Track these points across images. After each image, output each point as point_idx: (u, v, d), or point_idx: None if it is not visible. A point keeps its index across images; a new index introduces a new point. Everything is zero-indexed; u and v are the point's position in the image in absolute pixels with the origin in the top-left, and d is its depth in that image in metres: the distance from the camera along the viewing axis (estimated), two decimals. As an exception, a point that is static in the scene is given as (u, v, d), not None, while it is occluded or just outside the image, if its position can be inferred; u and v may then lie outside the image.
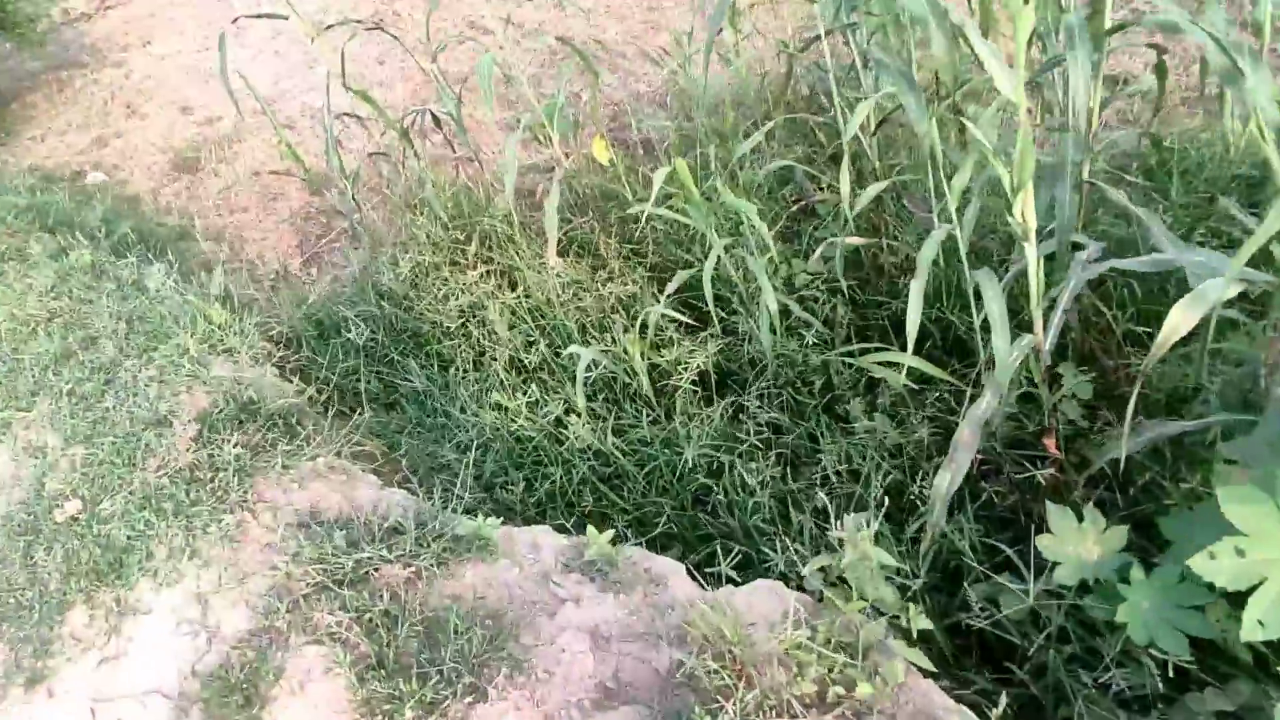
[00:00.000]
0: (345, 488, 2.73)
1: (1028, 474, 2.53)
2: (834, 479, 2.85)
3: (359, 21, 4.38)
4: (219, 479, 2.64)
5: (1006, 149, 2.46)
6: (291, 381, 3.38)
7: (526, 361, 3.64)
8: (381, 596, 2.17)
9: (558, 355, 3.56)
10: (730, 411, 3.18)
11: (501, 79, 6.07)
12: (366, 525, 2.43)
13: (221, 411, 3.00)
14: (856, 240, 3.13)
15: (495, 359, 3.68)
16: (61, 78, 7.84)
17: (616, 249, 3.96)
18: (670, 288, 3.18)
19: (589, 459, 3.15)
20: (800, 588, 2.49)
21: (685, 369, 3.19)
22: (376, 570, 2.26)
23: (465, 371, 3.70)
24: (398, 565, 2.28)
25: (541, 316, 3.71)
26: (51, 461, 2.97)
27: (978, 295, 2.36)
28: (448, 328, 3.91)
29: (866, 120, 3.19)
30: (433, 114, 4.52)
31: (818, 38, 3.07)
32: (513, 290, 3.96)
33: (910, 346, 2.40)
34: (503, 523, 2.76)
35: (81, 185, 6.31)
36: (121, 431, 2.96)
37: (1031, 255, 2.08)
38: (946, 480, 2.19)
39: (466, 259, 4.09)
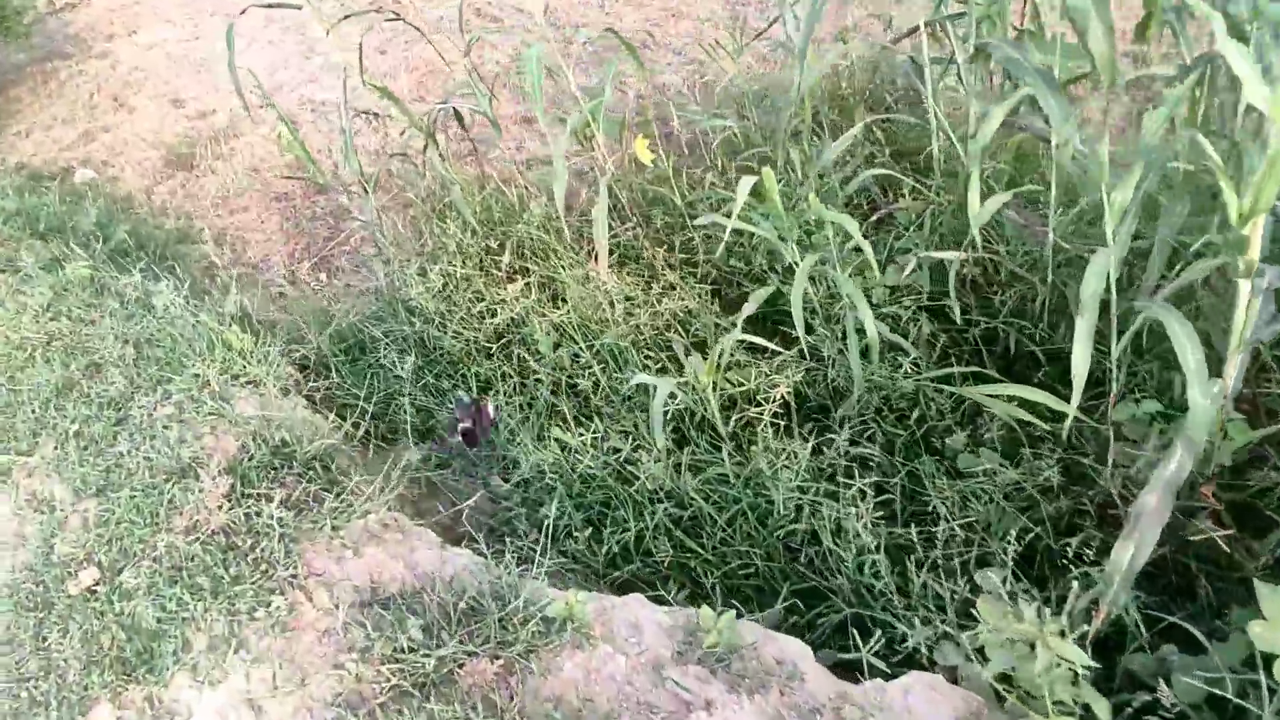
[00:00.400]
0: (403, 549, 2.32)
1: (1187, 527, 2.17)
2: (949, 527, 2.48)
3: (378, 11, 3.92)
4: (262, 547, 2.22)
5: (1166, 162, 2.09)
6: (325, 416, 2.96)
7: (577, 386, 3.24)
8: (474, 706, 1.77)
9: (612, 378, 3.16)
10: (814, 445, 2.80)
11: (504, 72, 5.62)
12: (441, 606, 2.03)
13: (253, 458, 2.58)
14: (954, 254, 2.74)
15: (540, 381, 3.27)
16: (46, 70, 7.26)
17: (665, 258, 3.55)
18: (749, 308, 2.78)
19: (660, 499, 2.76)
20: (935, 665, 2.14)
21: (766, 398, 2.80)
22: (461, 667, 1.86)
23: (509, 397, 3.30)
24: (484, 658, 1.88)
25: (589, 335, 3.30)
26: (60, 518, 2.53)
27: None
28: (487, 348, 3.49)
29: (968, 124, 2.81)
30: (456, 111, 4.07)
31: (915, 29, 2.68)
32: (554, 304, 3.55)
33: (1077, 396, 2.03)
34: (580, 582, 2.38)
35: (71, 184, 5.79)
36: (140, 483, 2.53)
37: (1245, 291, 1.71)
38: (1128, 554, 1.82)
39: (500, 270, 3.67)
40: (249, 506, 2.36)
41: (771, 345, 2.64)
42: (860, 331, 2.81)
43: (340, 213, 5.21)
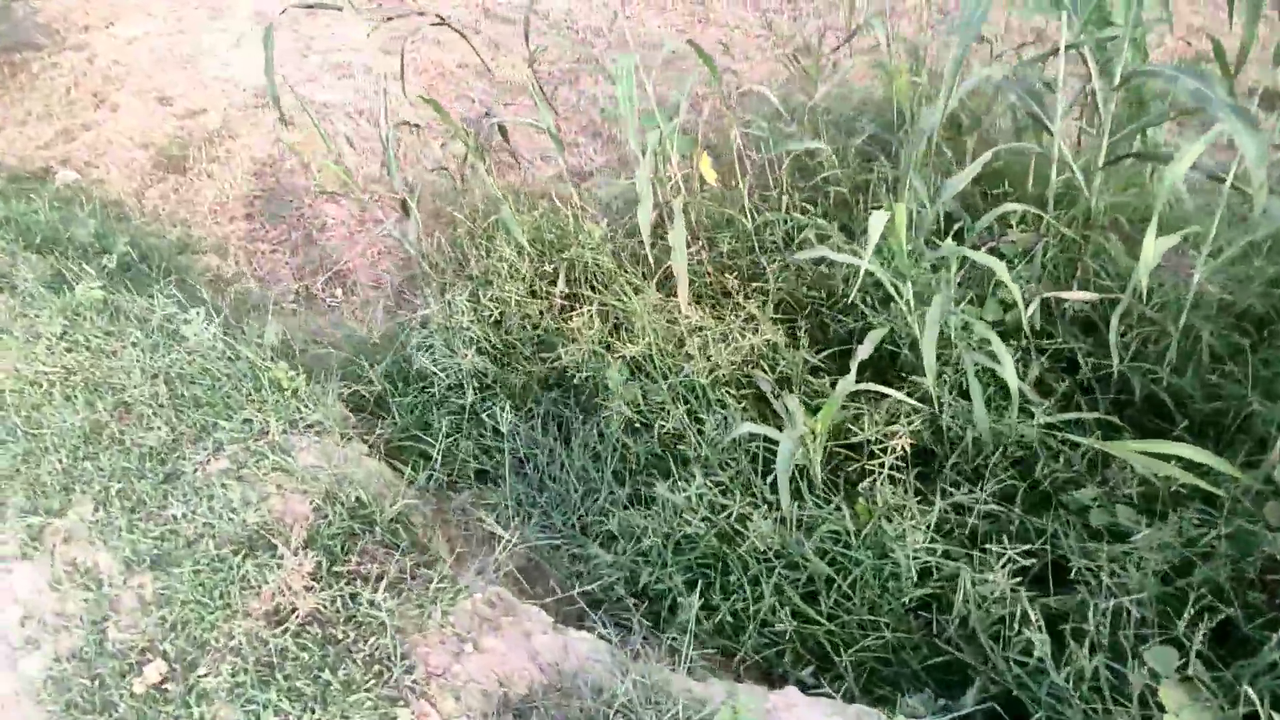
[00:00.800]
0: (516, 632, 2.00)
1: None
2: (1097, 593, 2.24)
3: (420, 13, 3.55)
4: (370, 644, 1.88)
5: None
6: (396, 470, 2.62)
7: (651, 426, 2.94)
8: None
9: (697, 419, 2.87)
10: (924, 496, 2.55)
11: (492, 78, 5.25)
12: (587, 715, 1.72)
13: (329, 523, 2.23)
14: (1086, 295, 2.50)
15: (610, 421, 2.96)
16: (15, 61, 6.67)
17: (736, 286, 3.26)
18: (865, 350, 2.50)
19: (769, 561, 2.48)
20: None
21: (883, 447, 2.53)
22: (634, 799, 1.57)
23: (583, 438, 2.98)
24: (658, 787, 1.58)
25: (664, 370, 2.99)
26: (111, 595, 2.16)
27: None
28: (550, 380, 3.17)
29: (1094, 155, 2.57)
30: (501, 125, 3.72)
31: (1052, 52, 2.42)
32: (617, 334, 3.23)
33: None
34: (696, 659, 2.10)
35: (55, 188, 5.28)
36: (203, 555, 2.16)
37: None
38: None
39: (555, 295, 3.34)
40: (341, 588, 2.02)
41: (896, 394, 2.38)
42: (981, 375, 2.56)
43: (354, 223, 4.82)
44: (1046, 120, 2.57)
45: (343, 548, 2.15)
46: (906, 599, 2.37)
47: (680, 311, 3.01)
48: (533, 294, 3.37)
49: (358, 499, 2.31)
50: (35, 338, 3.07)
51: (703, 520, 2.49)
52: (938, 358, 2.81)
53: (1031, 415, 2.62)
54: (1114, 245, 2.67)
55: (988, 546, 2.33)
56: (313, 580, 2.04)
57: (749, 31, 4.94)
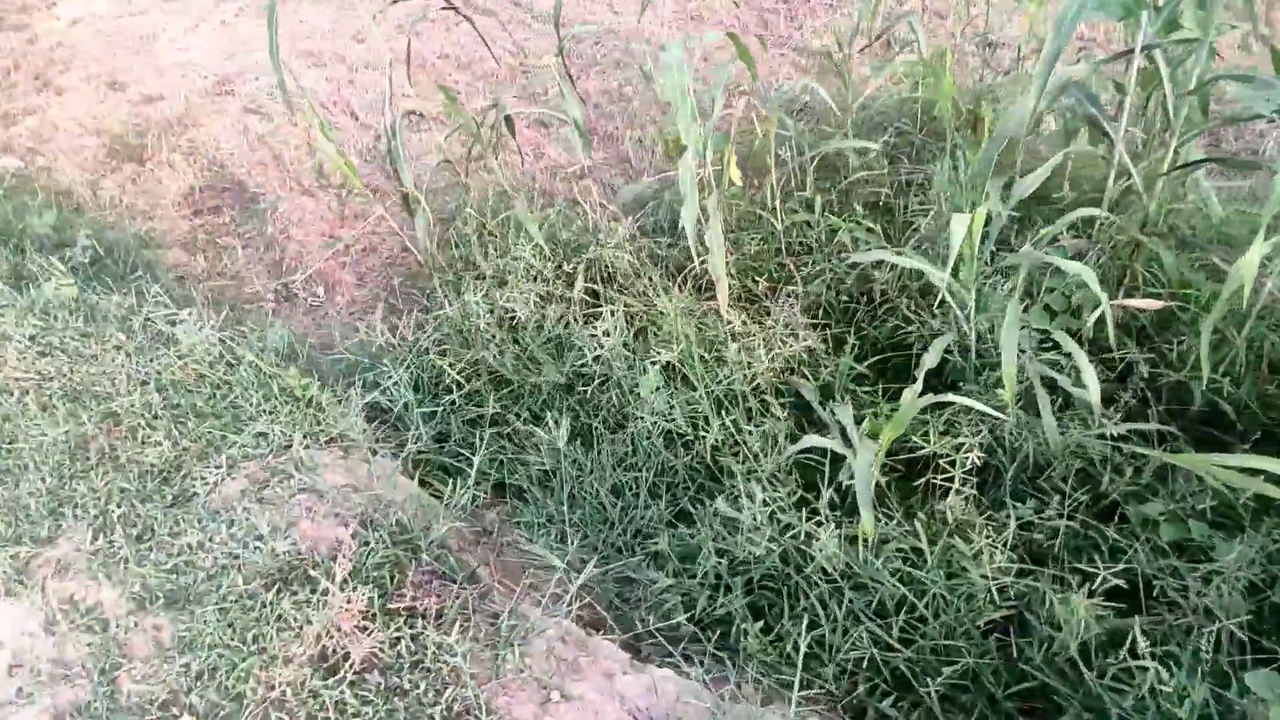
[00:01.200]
0: (597, 673, 1.76)
1: None
2: (1189, 615, 2.11)
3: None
4: (447, 696, 1.61)
5: None
6: (430, 487, 2.34)
7: (686, 436, 2.72)
8: None
9: (740, 430, 2.65)
10: (987, 509, 2.39)
11: (485, 65, 4.95)
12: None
13: (371, 550, 1.95)
14: (1153, 303, 2.37)
15: (647, 430, 2.73)
16: (-54, 40, 6.12)
17: (767, 289, 3.06)
18: (931, 359, 2.32)
19: (835, 582, 2.28)
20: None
21: (950, 462, 2.36)
22: None
23: (613, 449, 2.75)
24: None
25: (700, 377, 2.77)
26: (121, 638, 1.84)
27: None
28: (575, 388, 2.92)
29: (1158, 161, 2.44)
30: (508, 117, 3.44)
31: (1126, 53, 2.28)
32: (640, 338, 3.01)
33: None
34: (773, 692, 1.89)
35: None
36: (230, 590, 1.86)
37: None
38: None
39: (574, 295, 3.09)
40: (399, 627, 1.74)
41: (977, 405, 2.20)
42: (1047, 384, 2.41)
43: (335, 218, 4.47)
44: (1105, 124, 2.42)
45: (392, 579, 1.87)
46: (982, 621, 2.20)
47: (721, 315, 2.79)
48: (549, 295, 3.11)
49: (397, 523, 2.03)
50: (3, 340, 2.69)
51: (769, 540, 2.28)
52: (990, 366, 2.66)
53: (1087, 425, 2.49)
54: (1169, 252, 2.55)
55: (1069, 564, 2.19)
56: (364, 619, 1.76)
57: (746, 29, 4.75)
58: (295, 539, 1.95)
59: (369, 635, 1.72)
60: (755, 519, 2.25)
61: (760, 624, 2.22)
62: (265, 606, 1.81)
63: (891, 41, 4.21)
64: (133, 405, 2.45)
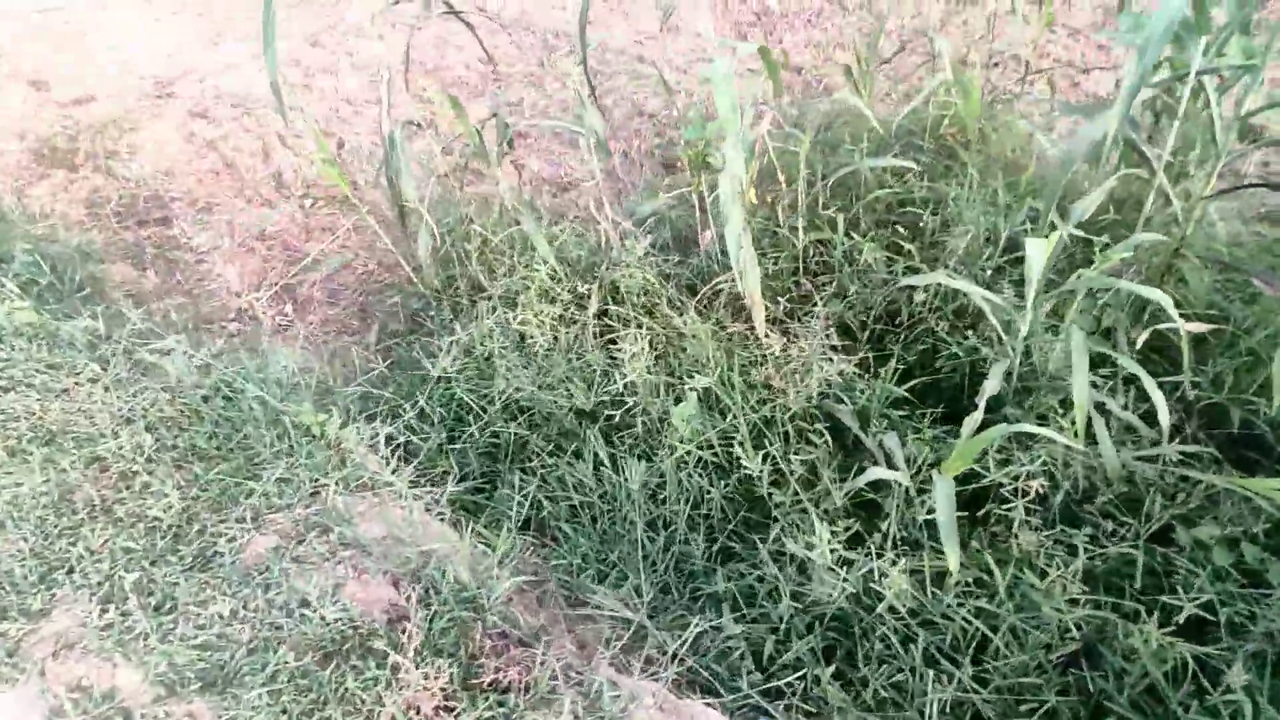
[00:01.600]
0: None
1: None
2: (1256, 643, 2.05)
3: (428, -1, 2.99)
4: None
5: None
6: (481, 542, 2.09)
7: (723, 467, 2.55)
8: None
9: (788, 459, 2.49)
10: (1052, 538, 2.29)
11: (474, 79, 4.68)
12: None
13: (435, 614, 1.71)
14: (1199, 326, 2.32)
15: (683, 460, 2.54)
16: None
17: (788, 309, 2.91)
18: (992, 384, 2.21)
19: (904, 620, 2.14)
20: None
21: (1013, 491, 2.24)
22: None
23: (643, 481, 2.55)
24: None
25: (735, 404, 2.60)
26: (151, 734, 1.55)
27: None
28: (603, 415, 2.71)
29: (1200, 184, 2.39)
30: (507, 125, 3.20)
31: (1180, 77, 2.21)
32: (658, 361, 2.82)
33: None
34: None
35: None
36: (280, 668, 1.59)
37: None
38: None
39: (588, 318, 2.88)
40: (491, 706, 1.51)
41: (1047, 432, 2.09)
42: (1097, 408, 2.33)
43: (301, 232, 4.13)
44: (1143, 146, 2.37)
45: (464, 647, 1.64)
46: (1055, 656, 2.10)
47: (755, 337, 2.63)
48: (564, 318, 2.90)
49: (456, 581, 1.79)
50: (-44, 374, 2.32)
51: (841, 580, 2.12)
52: (1029, 391, 2.57)
53: (1124, 445, 2.43)
54: (1195, 274, 2.52)
55: (1130, 593, 2.11)
56: (445, 698, 1.52)
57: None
58: (345, 603, 1.69)
59: (456, 718, 1.48)
60: (827, 558, 2.09)
61: (831, 669, 2.07)
62: (324, 686, 1.55)
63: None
64: (121, 448, 2.12)
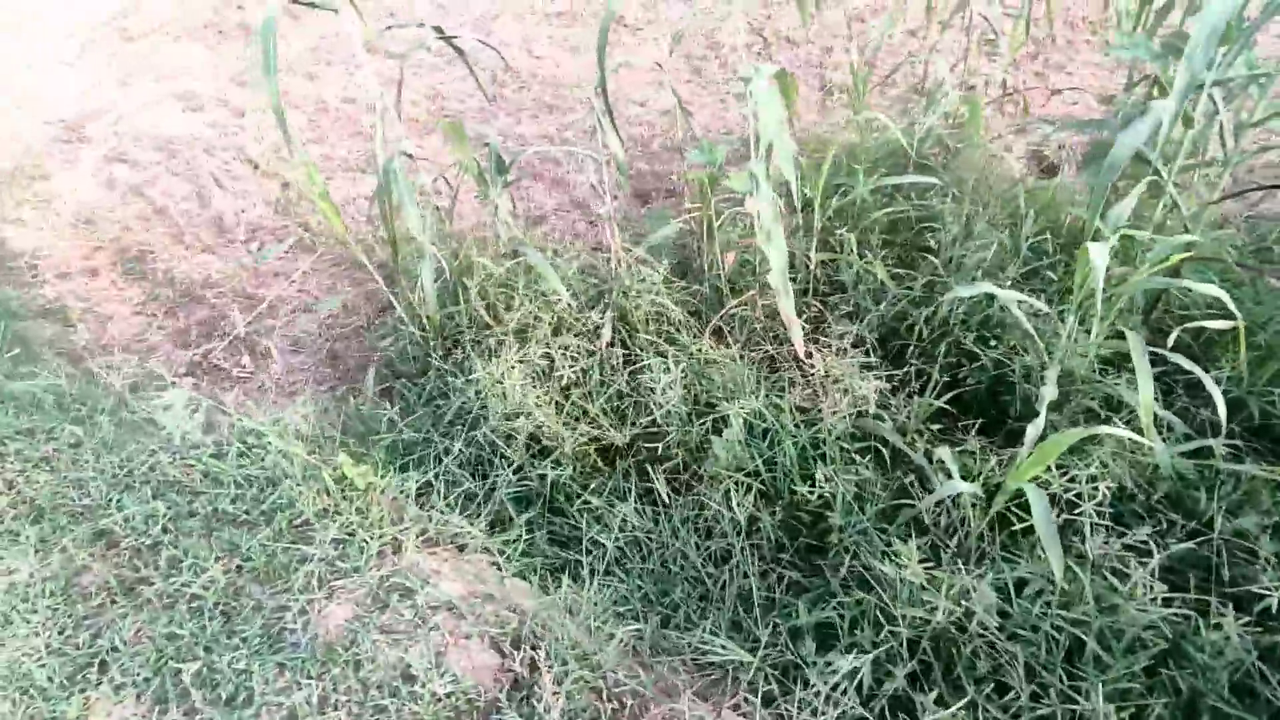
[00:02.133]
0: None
1: None
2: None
3: (420, 24, 2.79)
4: None
5: None
6: (542, 589, 1.87)
7: (769, 497, 2.42)
8: None
9: (842, 483, 2.37)
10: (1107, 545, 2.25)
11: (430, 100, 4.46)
12: None
13: (555, 679, 1.49)
14: (1224, 323, 2.36)
15: (728, 494, 2.38)
16: None
17: (805, 329, 2.82)
18: (1049, 391, 2.17)
19: (990, 635, 2.05)
20: None
21: (1078, 495, 2.19)
22: None
23: (683, 515, 2.38)
24: None
25: (782, 430, 2.47)
26: None
27: None
28: (636, 448, 2.53)
29: (1208, 190, 2.46)
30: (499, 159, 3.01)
31: (1197, 88, 2.26)
32: (685, 387, 2.67)
33: None
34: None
35: None
36: (396, 759, 1.34)
37: None
38: None
39: (600, 347, 2.71)
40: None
41: (1122, 432, 2.05)
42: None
43: (248, 278, 3.78)
44: (1149, 155, 2.42)
45: (601, 712, 1.43)
46: (1140, 658, 2.05)
47: (783, 359, 2.52)
48: (584, 349, 2.71)
49: (570, 642, 1.58)
50: (-91, 447, 1.94)
51: (941, 599, 2.00)
52: (1067, 396, 2.56)
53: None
54: (1197, 274, 2.58)
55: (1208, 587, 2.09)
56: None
57: (680, 77, 4.55)
58: (455, 674, 1.46)
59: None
60: (920, 576, 1.98)
61: (934, 695, 1.95)
62: (456, 774, 1.32)
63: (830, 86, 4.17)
64: (129, 519, 1.81)
